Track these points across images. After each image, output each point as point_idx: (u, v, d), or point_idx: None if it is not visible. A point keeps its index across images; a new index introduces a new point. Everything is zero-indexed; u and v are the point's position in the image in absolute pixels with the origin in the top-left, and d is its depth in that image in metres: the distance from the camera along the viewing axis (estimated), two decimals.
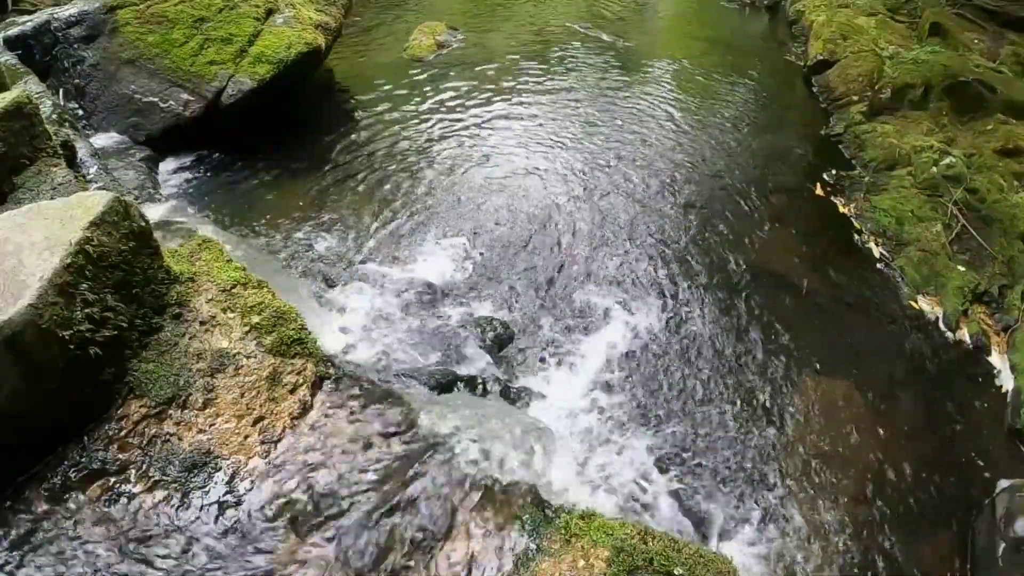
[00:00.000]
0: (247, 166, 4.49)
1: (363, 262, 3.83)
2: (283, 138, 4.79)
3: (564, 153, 5.07)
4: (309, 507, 2.06)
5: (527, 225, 4.27)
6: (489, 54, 6.50)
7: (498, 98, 5.72)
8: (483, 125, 5.32)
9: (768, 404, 3.32)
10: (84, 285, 2.05)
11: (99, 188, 3.13)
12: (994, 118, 5.43)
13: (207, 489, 2.03)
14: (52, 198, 2.66)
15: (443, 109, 5.47)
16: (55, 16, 4.44)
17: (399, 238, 4.05)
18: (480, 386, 3.13)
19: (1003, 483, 3.03)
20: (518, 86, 5.95)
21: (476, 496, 2.18)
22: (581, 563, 1.97)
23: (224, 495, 2.03)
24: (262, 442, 2.17)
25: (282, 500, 2.06)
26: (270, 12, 4.81)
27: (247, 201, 4.22)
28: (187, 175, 4.35)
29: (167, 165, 4.35)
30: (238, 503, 2.03)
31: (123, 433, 2.08)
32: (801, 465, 3.07)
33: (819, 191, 4.98)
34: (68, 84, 4.38)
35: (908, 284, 4.20)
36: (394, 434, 2.32)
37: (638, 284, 3.91)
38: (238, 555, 1.93)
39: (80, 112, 4.33)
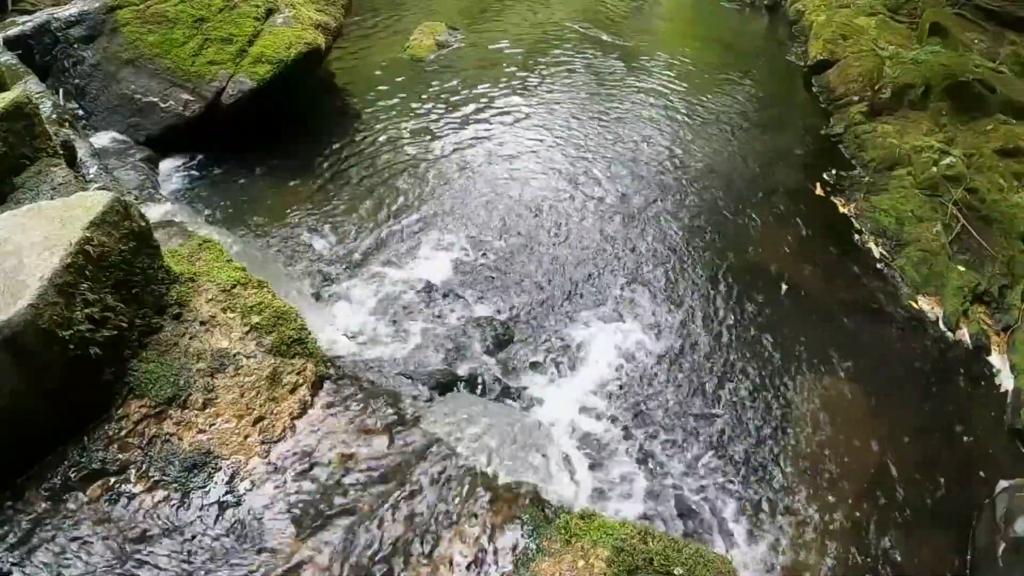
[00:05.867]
0: (247, 166, 4.49)
1: (363, 262, 3.83)
2: (283, 138, 4.78)
3: (564, 153, 5.06)
4: (309, 507, 2.06)
5: (527, 225, 4.27)
6: (489, 54, 6.50)
7: (498, 98, 5.71)
8: (483, 126, 5.31)
9: (767, 404, 3.32)
10: (84, 285, 2.05)
11: (99, 188, 3.12)
12: (994, 118, 5.43)
13: (207, 489, 2.03)
14: (52, 198, 2.66)
15: (443, 109, 5.46)
16: (55, 16, 4.44)
17: (399, 238, 4.05)
18: (480, 386, 3.14)
19: (1003, 483, 3.02)
20: (518, 86, 5.94)
21: (476, 496, 2.18)
22: (581, 563, 1.97)
23: (224, 495, 2.03)
24: (262, 442, 2.17)
25: (282, 500, 2.06)
26: (270, 12, 4.81)
27: (247, 201, 4.21)
28: (187, 175, 4.35)
29: (167, 165, 4.34)
30: (238, 503, 2.03)
31: (123, 433, 2.08)
32: (801, 465, 3.07)
33: (819, 191, 4.98)
34: (68, 84, 4.38)
35: (908, 284, 4.20)
36: (394, 434, 2.32)
37: (637, 284, 3.91)
38: (238, 555, 1.93)
39: (80, 112, 4.32)
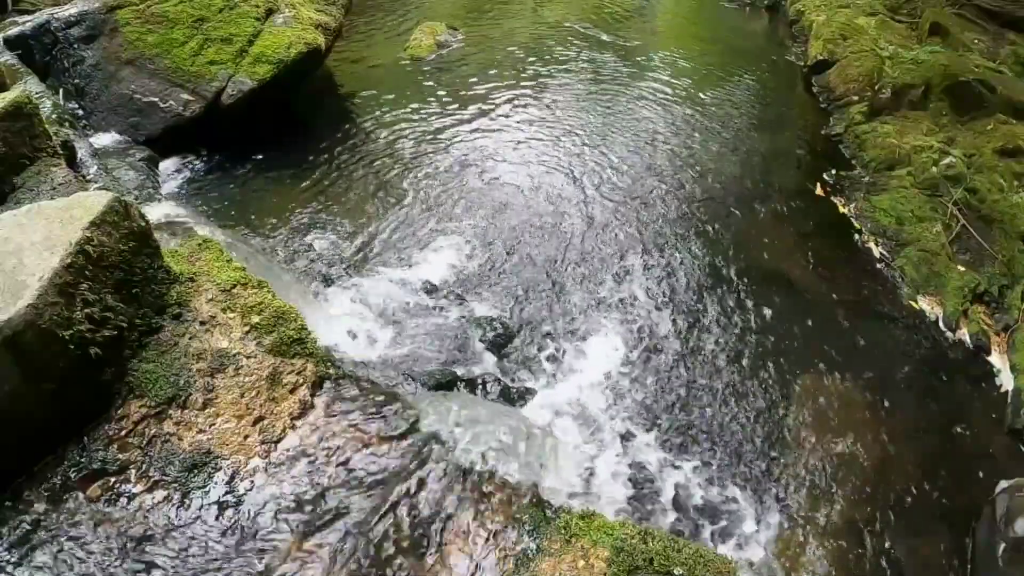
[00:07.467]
0: (247, 166, 4.49)
1: (364, 261, 3.83)
2: (283, 138, 4.79)
3: (563, 153, 5.07)
4: (309, 507, 2.06)
5: (527, 225, 4.27)
6: (489, 54, 6.50)
7: (498, 98, 5.71)
8: (483, 125, 5.32)
9: (768, 404, 3.32)
10: (84, 285, 2.05)
11: (99, 188, 3.12)
12: (994, 118, 5.42)
13: (207, 489, 2.03)
14: (52, 198, 2.66)
15: (443, 109, 5.47)
16: (55, 16, 4.44)
17: (399, 238, 4.05)
18: (480, 386, 3.14)
19: (1003, 483, 3.02)
20: (518, 86, 5.95)
21: (476, 496, 2.18)
22: (581, 563, 1.97)
23: (224, 495, 2.03)
24: (262, 442, 2.17)
25: (282, 500, 2.06)
26: (270, 12, 4.81)
27: (247, 201, 4.22)
28: (187, 175, 4.35)
29: (167, 165, 4.34)
30: (238, 503, 2.03)
31: (123, 433, 2.08)
32: (801, 465, 3.07)
33: (819, 191, 4.98)
34: (68, 84, 4.38)
35: (908, 284, 4.20)
36: (394, 434, 2.32)
37: (637, 284, 3.91)
38: (238, 555, 1.93)
39: (80, 112, 4.32)
